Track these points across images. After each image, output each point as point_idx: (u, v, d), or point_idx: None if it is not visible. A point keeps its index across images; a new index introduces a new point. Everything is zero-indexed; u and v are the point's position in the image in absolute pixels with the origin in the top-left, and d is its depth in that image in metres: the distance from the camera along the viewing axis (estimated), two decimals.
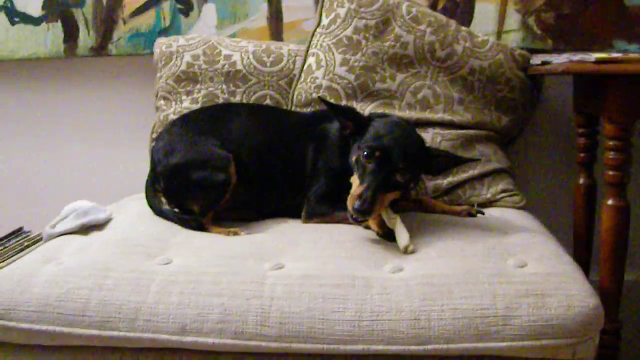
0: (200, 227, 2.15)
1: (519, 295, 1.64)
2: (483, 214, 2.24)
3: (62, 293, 1.71)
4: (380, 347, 1.61)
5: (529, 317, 1.61)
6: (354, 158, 2.02)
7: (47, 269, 1.81)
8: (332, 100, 2.44)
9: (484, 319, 1.61)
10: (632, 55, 2.10)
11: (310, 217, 2.20)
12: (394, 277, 1.73)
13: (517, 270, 1.75)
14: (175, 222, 2.18)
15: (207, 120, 2.33)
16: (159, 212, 2.25)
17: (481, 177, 2.44)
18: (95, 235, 2.08)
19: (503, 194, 2.43)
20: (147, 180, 2.33)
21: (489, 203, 2.42)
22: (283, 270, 1.78)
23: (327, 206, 2.18)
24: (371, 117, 2.12)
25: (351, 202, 1.90)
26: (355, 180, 1.99)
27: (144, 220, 2.20)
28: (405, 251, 1.87)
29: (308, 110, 2.49)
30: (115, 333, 1.67)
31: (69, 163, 3.09)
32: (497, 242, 1.93)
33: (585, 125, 2.52)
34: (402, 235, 1.91)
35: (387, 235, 1.96)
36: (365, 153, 1.95)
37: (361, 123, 2.07)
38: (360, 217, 1.90)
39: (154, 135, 2.61)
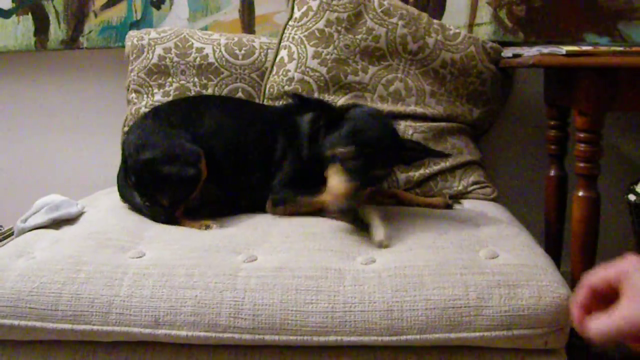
0: (172, 220, 2.15)
1: (490, 286, 1.66)
2: (460, 203, 2.24)
3: (34, 287, 1.70)
4: (353, 338, 1.62)
5: (500, 307, 1.62)
6: (329, 152, 2.01)
7: (19, 263, 1.80)
8: (304, 93, 2.45)
9: (456, 310, 1.62)
10: (602, 48, 2.12)
11: (275, 205, 2.19)
12: (366, 268, 1.74)
13: (488, 261, 1.76)
14: (147, 216, 2.17)
15: (179, 114, 2.32)
16: (131, 204, 2.24)
17: (453, 169, 2.45)
18: (67, 229, 2.07)
19: (475, 186, 2.45)
20: (118, 174, 2.32)
21: (461, 195, 2.44)
22: (256, 263, 1.78)
23: (291, 191, 2.18)
24: (345, 108, 2.12)
25: (335, 201, 1.91)
26: (332, 175, 1.98)
27: (116, 214, 2.20)
28: (380, 245, 1.87)
29: (280, 103, 2.49)
30: (88, 327, 1.66)
31: (41, 157, 3.07)
32: (468, 233, 1.95)
33: (556, 117, 2.54)
34: (379, 230, 1.91)
35: (359, 225, 1.97)
36: (345, 149, 1.95)
37: (335, 116, 2.07)
38: (346, 217, 1.91)
39: (126, 129, 2.60)
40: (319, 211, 2.07)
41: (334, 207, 1.91)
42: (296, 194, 2.17)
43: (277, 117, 2.33)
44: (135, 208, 2.23)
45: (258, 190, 2.26)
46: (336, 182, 1.95)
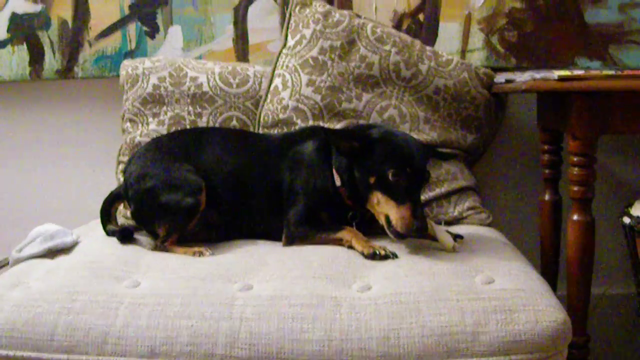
0: (162, 249, 2.16)
1: (487, 311, 1.65)
2: (462, 238, 2.22)
3: (29, 318, 1.70)
4: None
5: (497, 333, 1.62)
6: (372, 180, 2.02)
7: (14, 293, 1.80)
8: (298, 121, 2.46)
9: (453, 336, 1.62)
10: (594, 72, 2.13)
11: (292, 241, 2.17)
12: (362, 296, 1.74)
13: (485, 286, 1.76)
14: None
15: (181, 146, 2.33)
16: (107, 231, 2.28)
17: (448, 195, 2.46)
18: (62, 259, 2.06)
19: (470, 212, 2.45)
20: (104, 202, 2.34)
21: (456, 221, 2.44)
22: (252, 291, 1.77)
23: (308, 228, 2.16)
24: (368, 131, 2.12)
25: (404, 224, 1.95)
26: (385, 199, 2.00)
27: (111, 243, 2.19)
28: (454, 249, 1.99)
29: (276, 131, 2.50)
30: (83, 357, 1.65)
31: (35, 186, 3.07)
32: (464, 259, 1.94)
33: (549, 141, 2.55)
34: (447, 237, 2.01)
35: (372, 256, 1.97)
36: (395, 171, 1.97)
37: (368, 141, 2.06)
38: (420, 234, 1.98)
39: (121, 158, 2.60)
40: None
41: (401, 231, 1.96)
42: (313, 229, 2.16)
43: (278, 146, 2.32)
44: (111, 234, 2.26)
45: (260, 218, 2.26)
46: (393, 207, 1.98)
